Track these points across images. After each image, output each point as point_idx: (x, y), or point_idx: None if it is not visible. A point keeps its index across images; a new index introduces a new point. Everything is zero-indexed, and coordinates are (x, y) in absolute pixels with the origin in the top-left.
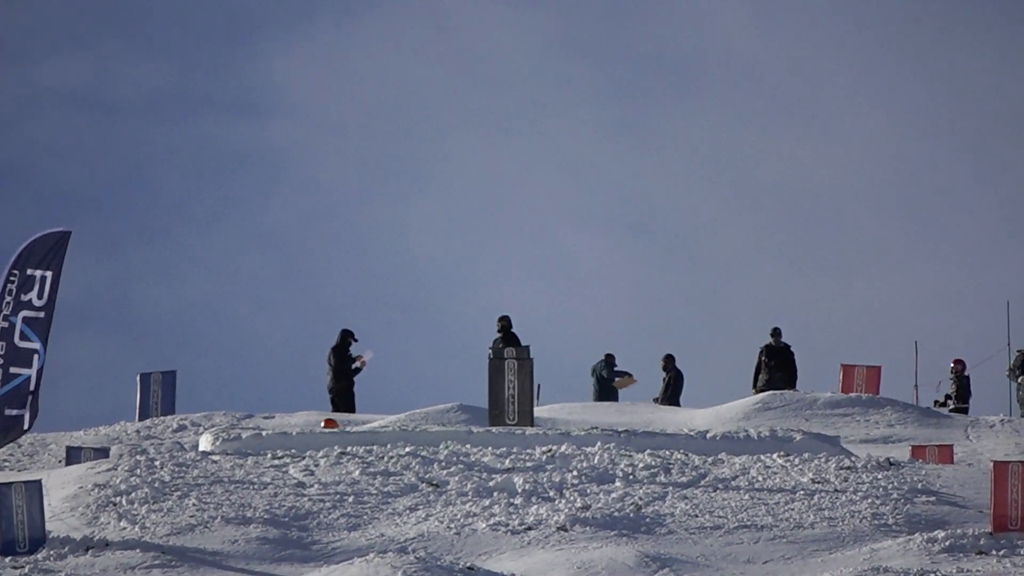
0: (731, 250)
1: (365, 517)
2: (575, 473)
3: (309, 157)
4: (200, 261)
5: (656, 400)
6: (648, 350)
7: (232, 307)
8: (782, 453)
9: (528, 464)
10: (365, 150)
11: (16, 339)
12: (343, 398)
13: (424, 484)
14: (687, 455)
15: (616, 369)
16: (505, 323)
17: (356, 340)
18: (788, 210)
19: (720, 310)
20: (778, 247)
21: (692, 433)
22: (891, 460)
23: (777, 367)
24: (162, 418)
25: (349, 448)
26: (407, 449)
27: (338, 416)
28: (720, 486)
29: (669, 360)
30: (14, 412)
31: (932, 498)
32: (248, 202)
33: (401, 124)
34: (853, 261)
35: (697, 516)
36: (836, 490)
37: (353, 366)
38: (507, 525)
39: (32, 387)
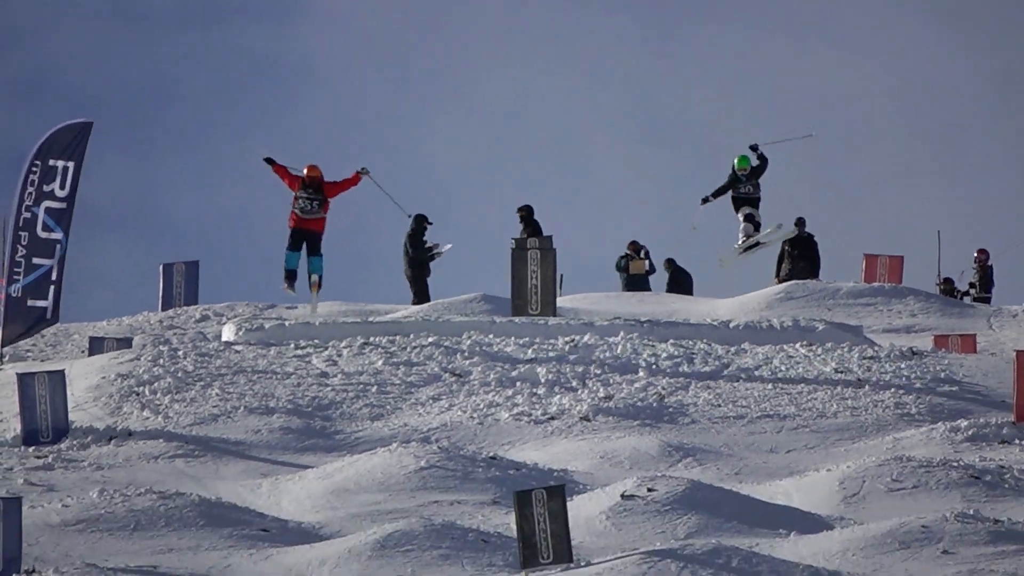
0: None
1: (388, 407)
2: (598, 363)
3: (339, 65)
4: (229, 169)
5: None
6: (670, 244)
7: (259, 214)
8: (805, 343)
9: (551, 354)
10: (394, 57)
11: (39, 230)
12: (419, 285)
13: (447, 374)
14: (710, 345)
15: (639, 256)
16: (525, 212)
17: (431, 223)
18: (812, 116)
19: None
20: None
21: (715, 323)
22: (914, 350)
23: (800, 257)
24: (185, 308)
25: (372, 338)
26: (430, 339)
27: (413, 306)
28: (743, 376)
29: (669, 264)
30: (37, 303)
31: (955, 388)
32: (277, 110)
33: (430, 33)
34: (877, 156)
35: (720, 406)
36: (859, 380)
37: (430, 253)
38: (530, 415)
39: (54, 277)
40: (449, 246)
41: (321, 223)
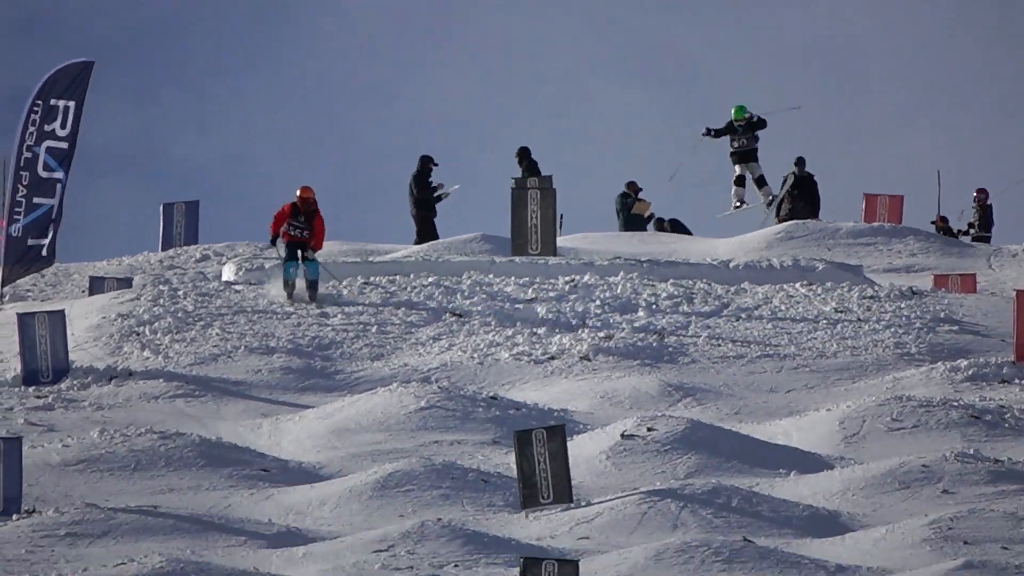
0: (754, 93)
1: (388, 347)
2: (598, 303)
3: (341, 5)
4: (231, 112)
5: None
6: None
7: (261, 156)
8: (805, 282)
9: (551, 294)
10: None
11: (40, 169)
12: (425, 226)
13: (447, 314)
14: (710, 284)
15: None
16: (523, 153)
17: (436, 164)
18: (811, 55)
19: None
20: (803, 91)
21: (715, 263)
22: (914, 289)
23: (800, 196)
24: (185, 248)
25: (372, 278)
26: (430, 279)
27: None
28: (743, 315)
29: (672, 224)
30: (37, 242)
31: (955, 327)
32: (278, 51)
33: None
34: (877, 96)
35: (720, 345)
36: (859, 319)
37: (435, 194)
38: (530, 355)
39: (54, 216)
40: (456, 187)
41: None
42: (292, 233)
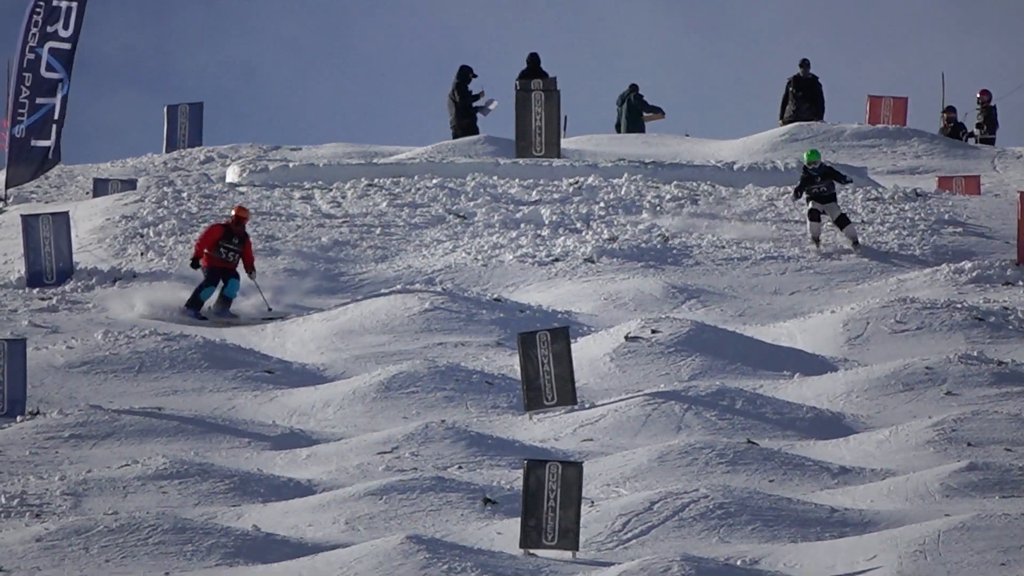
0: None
1: (392, 249)
2: (602, 204)
3: None
4: (236, 20)
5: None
6: (674, 86)
7: (265, 64)
8: None
9: (555, 196)
10: None
11: (42, 70)
12: (467, 134)
13: (451, 216)
14: (714, 186)
15: (646, 103)
16: (533, 60)
17: (476, 75)
18: None
19: (748, 41)
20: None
21: (719, 164)
22: (918, 191)
23: (804, 98)
24: (189, 150)
25: (376, 180)
26: (434, 181)
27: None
28: (747, 217)
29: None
30: (40, 143)
31: (959, 229)
32: None
33: None
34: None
35: (724, 247)
36: (863, 221)
37: (475, 104)
38: (534, 257)
39: (57, 116)
40: (496, 103)
41: (235, 265)
42: (223, 257)
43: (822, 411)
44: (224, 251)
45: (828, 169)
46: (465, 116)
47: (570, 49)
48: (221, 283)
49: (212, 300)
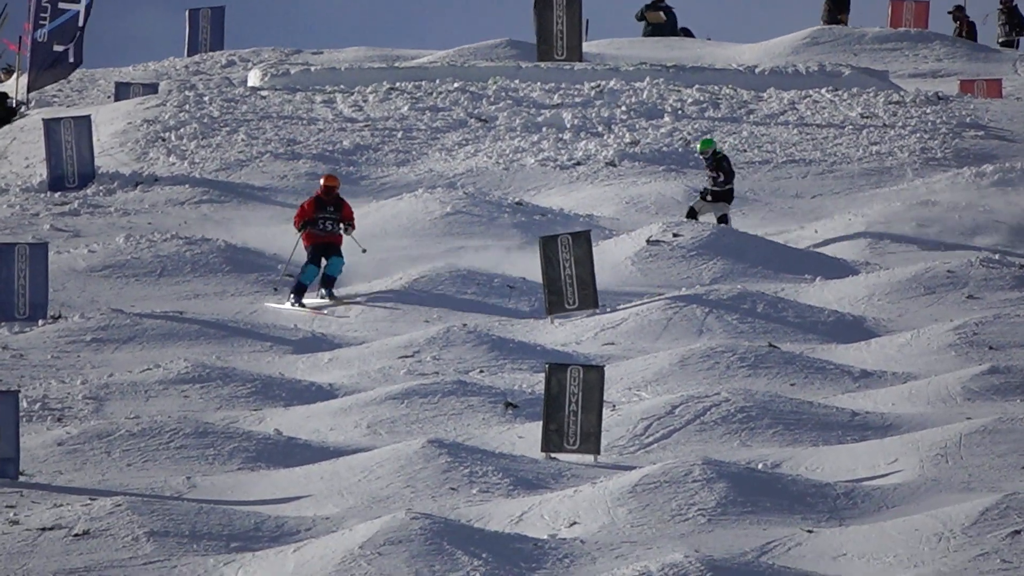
0: None
1: (414, 152)
2: (624, 108)
3: None
4: None
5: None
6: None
7: None
8: (831, 88)
9: (577, 99)
10: None
11: None
12: None
13: (472, 119)
14: (735, 90)
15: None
16: None
17: None
18: None
19: None
20: None
21: (741, 68)
22: (939, 94)
23: (831, 1)
24: (211, 54)
25: (398, 83)
26: (456, 84)
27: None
28: (768, 121)
29: None
30: (62, 47)
31: (980, 132)
32: None
33: None
34: None
35: (745, 151)
36: (885, 125)
37: None
38: (555, 160)
39: (81, 23)
40: None
41: (340, 238)
42: (322, 228)
43: (843, 314)
44: (323, 222)
45: (720, 159)
46: None
47: None
48: (324, 261)
49: (315, 283)
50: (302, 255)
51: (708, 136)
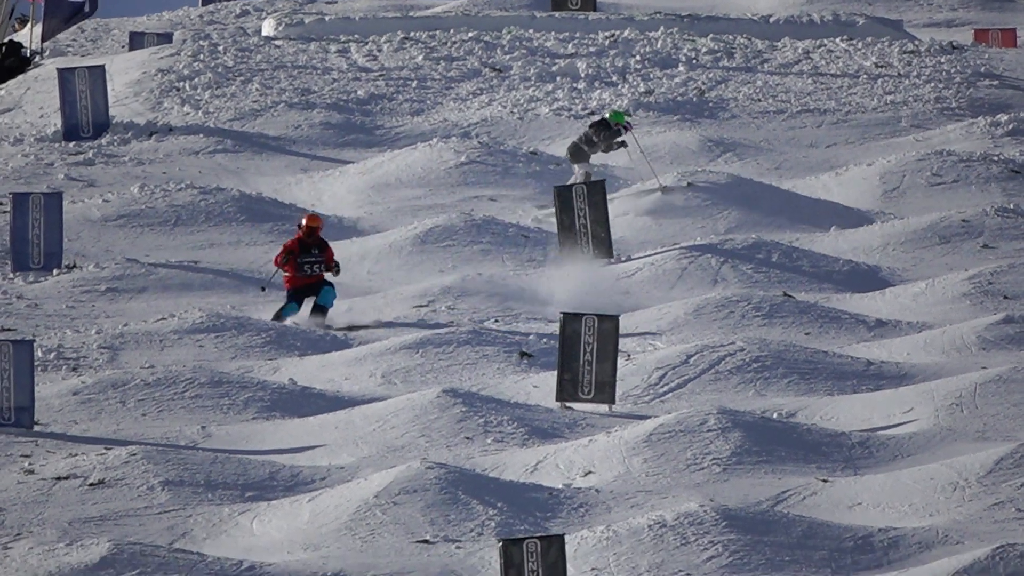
0: None
1: (428, 102)
2: (638, 58)
3: None
4: None
5: None
6: None
7: None
8: (845, 37)
9: (591, 49)
10: None
11: None
12: None
13: (487, 69)
14: (750, 39)
15: None
16: None
17: None
18: None
19: None
20: None
21: (755, 17)
22: (954, 44)
23: None
24: (225, 3)
25: (412, 33)
26: (470, 34)
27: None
28: (783, 70)
29: None
30: None
31: (995, 82)
32: None
33: None
34: None
35: (760, 100)
36: (899, 74)
37: None
38: (570, 110)
39: None
40: None
41: (322, 276)
42: (306, 271)
43: (858, 264)
44: (307, 267)
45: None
46: None
47: None
48: (313, 298)
49: (298, 316)
50: (281, 275)
51: (619, 110)
